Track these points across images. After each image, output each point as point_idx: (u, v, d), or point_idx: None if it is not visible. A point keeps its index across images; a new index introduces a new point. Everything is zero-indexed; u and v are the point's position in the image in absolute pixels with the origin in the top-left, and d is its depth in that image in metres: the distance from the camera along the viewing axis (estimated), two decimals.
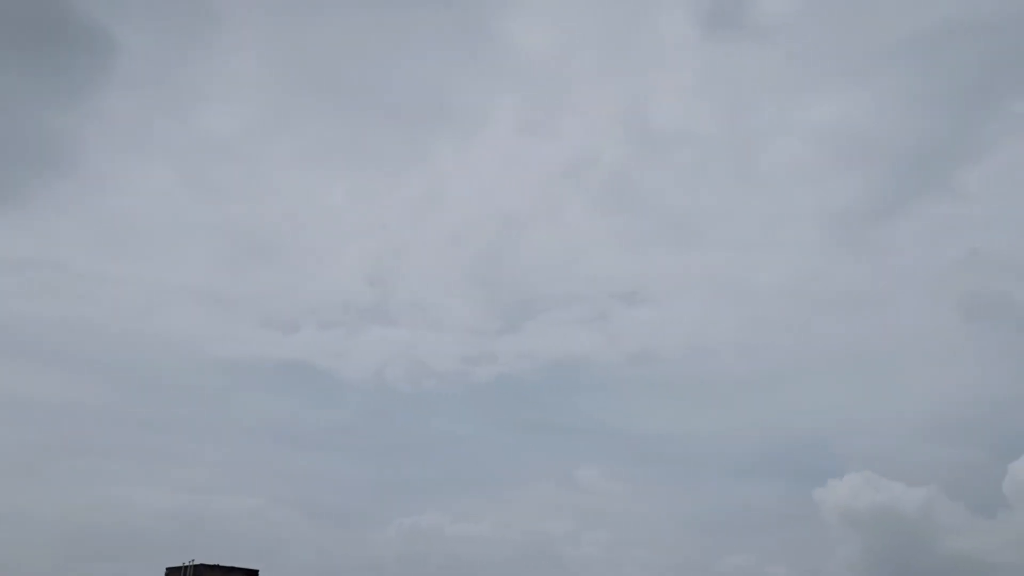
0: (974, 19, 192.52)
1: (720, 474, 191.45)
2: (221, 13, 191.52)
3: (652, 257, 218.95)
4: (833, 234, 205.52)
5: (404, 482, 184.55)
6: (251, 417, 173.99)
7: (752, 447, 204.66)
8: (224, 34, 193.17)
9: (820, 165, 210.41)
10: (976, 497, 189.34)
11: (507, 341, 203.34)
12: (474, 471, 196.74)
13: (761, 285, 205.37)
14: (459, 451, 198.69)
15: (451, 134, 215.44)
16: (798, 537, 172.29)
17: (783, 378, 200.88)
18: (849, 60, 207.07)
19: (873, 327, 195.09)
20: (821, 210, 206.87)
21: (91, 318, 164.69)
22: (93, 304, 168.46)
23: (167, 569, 75.11)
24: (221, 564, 73.56)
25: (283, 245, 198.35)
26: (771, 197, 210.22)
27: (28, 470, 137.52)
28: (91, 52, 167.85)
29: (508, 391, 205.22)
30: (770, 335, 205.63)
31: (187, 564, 72.91)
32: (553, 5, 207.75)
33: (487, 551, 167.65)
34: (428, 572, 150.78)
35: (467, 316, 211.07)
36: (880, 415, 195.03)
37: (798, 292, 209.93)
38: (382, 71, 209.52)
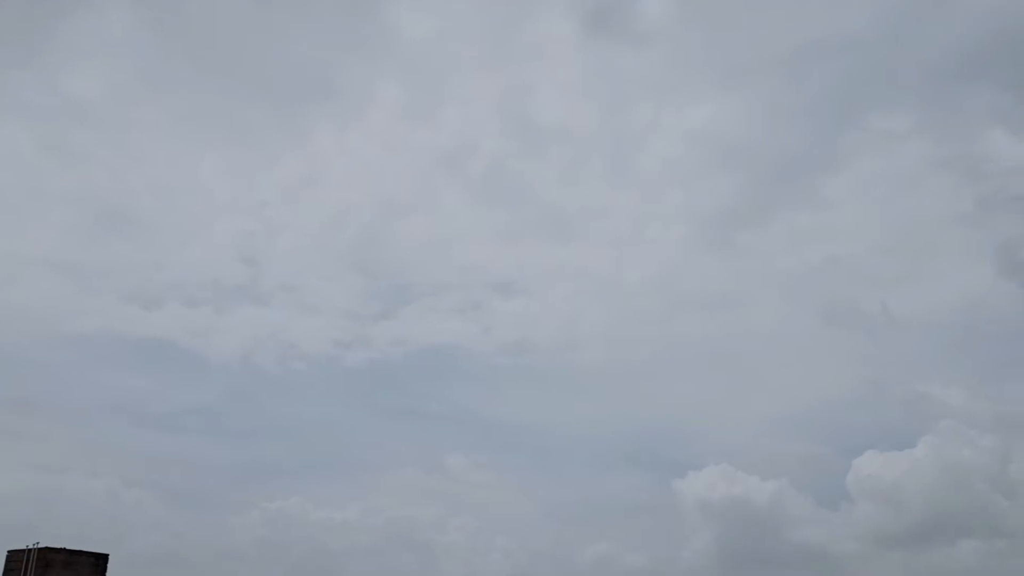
0: (839, 38, 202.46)
1: (585, 464, 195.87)
2: None
3: (527, 249, 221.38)
4: (701, 235, 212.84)
5: (268, 466, 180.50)
6: (107, 395, 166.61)
7: (617, 439, 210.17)
8: None
9: (691, 168, 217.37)
10: (822, 490, 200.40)
11: (381, 327, 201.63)
12: (341, 456, 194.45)
13: (631, 281, 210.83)
14: (327, 436, 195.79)
15: (332, 115, 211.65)
16: (657, 527, 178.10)
17: (649, 373, 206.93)
18: (722, 69, 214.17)
19: (734, 327, 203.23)
20: (691, 211, 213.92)
21: None
22: None
23: (8, 552, 70.94)
24: (68, 547, 70.07)
25: (149, 217, 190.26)
26: (644, 196, 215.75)
27: None
28: None
29: (380, 377, 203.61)
30: (638, 330, 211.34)
31: (30, 547, 69.10)
32: None
33: (352, 537, 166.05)
34: (291, 558, 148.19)
35: (341, 300, 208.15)
36: (738, 411, 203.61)
37: (666, 290, 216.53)
38: (265, 46, 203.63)
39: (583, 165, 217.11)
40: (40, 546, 69.17)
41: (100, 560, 71.34)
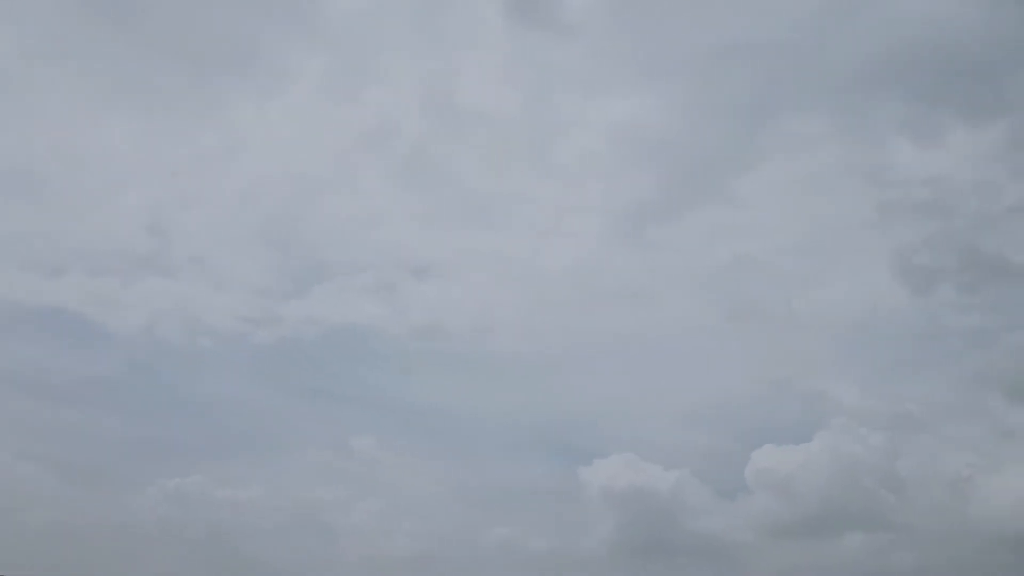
0: (759, 41, 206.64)
1: (494, 449, 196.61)
2: None
3: (445, 233, 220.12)
4: (617, 229, 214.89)
5: (169, 442, 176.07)
6: (2, 364, 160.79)
7: (527, 425, 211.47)
8: None
9: (611, 161, 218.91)
10: (721, 481, 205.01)
11: (293, 305, 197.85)
12: (246, 435, 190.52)
13: (547, 270, 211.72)
14: (231, 413, 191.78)
15: (251, 88, 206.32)
16: (561, 513, 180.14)
17: (561, 362, 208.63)
18: (645, 64, 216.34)
19: (645, 320, 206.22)
20: (608, 204, 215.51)
21: None
22: None
23: None
24: None
25: (53, 182, 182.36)
26: (564, 187, 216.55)
27: None
28: None
29: (290, 355, 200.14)
30: (551, 319, 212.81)
31: None
32: None
33: (255, 517, 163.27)
34: (190, 536, 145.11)
35: (252, 276, 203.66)
36: (645, 402, 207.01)
37: (580, 280, 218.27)
38: (184, 10, 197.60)
39: (505, 152, 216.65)
40: None
41: None
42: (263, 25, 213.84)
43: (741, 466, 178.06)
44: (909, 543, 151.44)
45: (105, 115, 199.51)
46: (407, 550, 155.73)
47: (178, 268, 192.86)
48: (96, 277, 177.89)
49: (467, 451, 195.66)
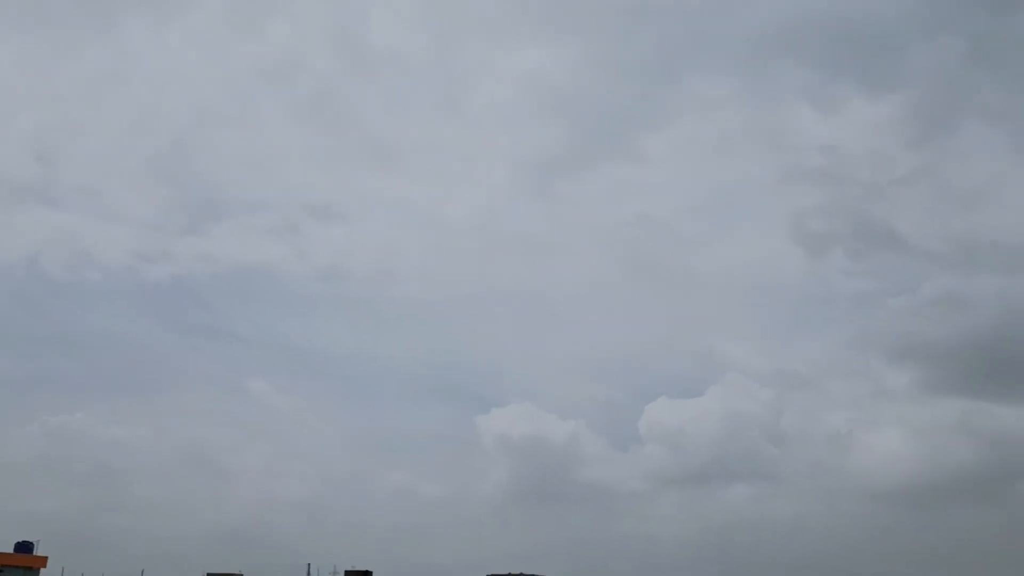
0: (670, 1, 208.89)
1: (392, 395, 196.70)
2: None
3: (349, 175, 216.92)
4: (524, 179, 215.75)
5: (54, 378, 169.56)
6: None
7: (426, 372, 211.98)
8: None
9: (521, 111, 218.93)
10: (615, 432, 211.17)
11: (187, 242, 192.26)
12: (135, 373, 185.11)
13: (452, 218, 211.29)
14: (120, 351, 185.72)
15: (147, 11, 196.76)
16: (457, 460, 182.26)
17: (462, 309, 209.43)
18: (558, 16, 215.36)
19: (548, 272, 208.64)
20: (516, 155, 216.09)
21: None
22: None
23: None
24: None
25: None
26: (472, 134, 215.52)
27: None
28: None
29: (183, 294, 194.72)
30: (455, 267, 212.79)
31: None
32: None
33: (143, 457, 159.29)
34: (75, 474, 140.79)
35: (145, 210, 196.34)
36: (545, 353, 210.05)
37: (485, 230, 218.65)
38: None
39: (413, 96, 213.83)
40: None
41: None
42: None
43: (635, 418, 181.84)
44: (789, 494, 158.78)
45: None
46: (299, 494, 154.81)
47: (65, 198, 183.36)
48: None
49: (364, 396, 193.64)
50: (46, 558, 79.14)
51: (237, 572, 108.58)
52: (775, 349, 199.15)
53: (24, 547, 78.63)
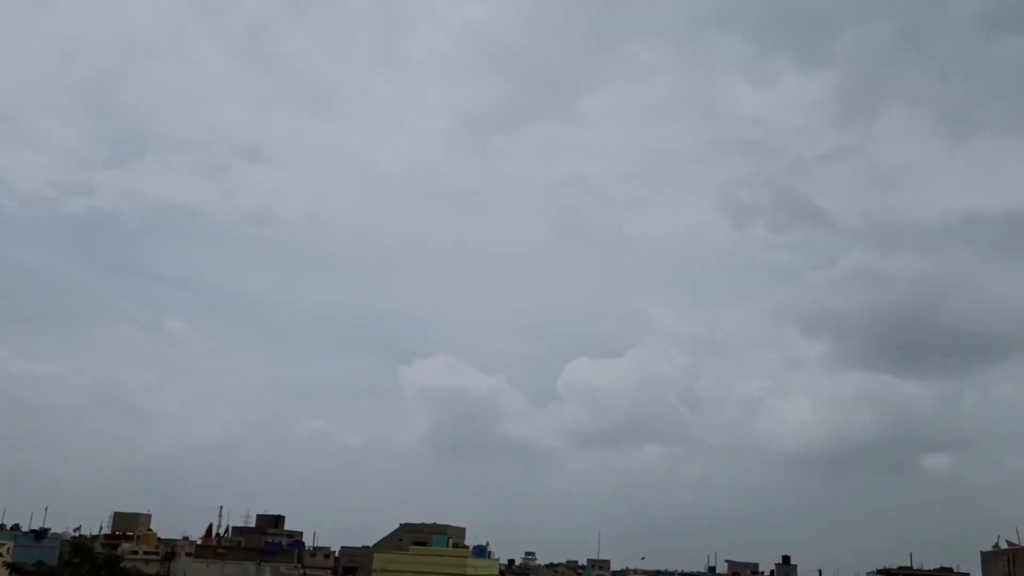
0: None
1: (317, 343, 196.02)
2: None
3: (281, 117, 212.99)
4: (459, 132, 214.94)
5: None
6: None
7: (353, 321, 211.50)
8: None
9: (459, 64, 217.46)
10: (536, 389, 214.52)
11: (110, 176, 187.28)
12: (50, 307, 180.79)
13: (384, 167, 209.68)
14: (34, 283, 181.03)
15: None
16: (379, 409, 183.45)
17: (391, 260, 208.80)
18: None
19: (478, 227, 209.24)
20: (452, 108, 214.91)
21: None
22: None
23: None
24: None
25: None
26: (408, 84, 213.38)
27: None
28: None
29: (102, 228, 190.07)
30: (385, 217, 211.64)
31: None
32: None
33: (56, 394, 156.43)
34: None
35: (65, 140, 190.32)
36: (471, 307, 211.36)
37: (418, 181, 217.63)
38: None
39: (350, 42, 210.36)
40: None
41: None
42: None
43: (555, 376, 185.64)
44: (701, 456, 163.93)
45: None
46: (217, 437, 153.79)
47: None
48: None
49: (287, 342, 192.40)
50: None
51: (145, 512, 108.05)
52: (696, 315, 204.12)
53: None
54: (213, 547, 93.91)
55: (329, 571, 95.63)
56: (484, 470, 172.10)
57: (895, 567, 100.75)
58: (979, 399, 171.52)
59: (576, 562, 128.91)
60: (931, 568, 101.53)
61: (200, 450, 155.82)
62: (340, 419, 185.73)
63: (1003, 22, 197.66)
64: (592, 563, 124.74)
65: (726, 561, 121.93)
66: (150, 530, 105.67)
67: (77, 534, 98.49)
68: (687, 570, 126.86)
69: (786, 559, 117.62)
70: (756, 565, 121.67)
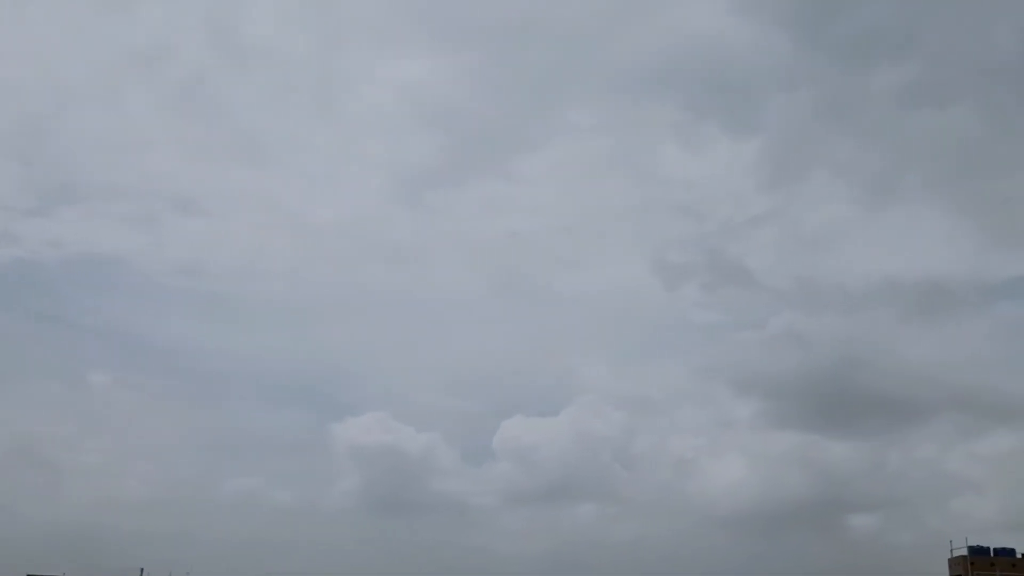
0: (553, 23, 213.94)
1: (245, 397, 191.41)
2: None
3: (215, 169, 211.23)
4: (396, 188, 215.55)
5: None
6: None
7: (283, 375, 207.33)
8: None
9: (397, 120, 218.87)
10: (470, 446, 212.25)
11: (35, 224, 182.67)
12: None
13: (319, 220, 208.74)
14: None
15: None
16: (309, 466, 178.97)
17: (323, 314, 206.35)
18: (441, 29, 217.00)
19: (413, 283, 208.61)
20: (389, 163, 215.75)
21: None
22: None
23: None
24: None
25: None
26: (346, 138, 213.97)
27: None
28: None
29: (25, 278, 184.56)
30: (319, 270, 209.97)
31: None
32: None
33: None
34: None
35: None
36: (404, 363, 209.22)
37: (353, 235, 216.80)
38: None
39: (287, 95, 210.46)
40: None
41: None
42: None
43: (491, 433, 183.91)
44: (634, 515, 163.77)
45: None
46: (139, 494, 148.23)
47: None
48: None
49: (214, 396, 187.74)
50: None
51: (61, 575, 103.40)
52: (629, 374, 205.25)
53: None
54: None
55: None
56: (418, 528, 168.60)
57: None
58: (902, 459, 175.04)
59: None
60: None
61: (121, 508, 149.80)
62: (269, 476, 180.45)
63: (919, 96, 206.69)
64: None
65: None
66: None
67: None
68: None
69: None
70: None
